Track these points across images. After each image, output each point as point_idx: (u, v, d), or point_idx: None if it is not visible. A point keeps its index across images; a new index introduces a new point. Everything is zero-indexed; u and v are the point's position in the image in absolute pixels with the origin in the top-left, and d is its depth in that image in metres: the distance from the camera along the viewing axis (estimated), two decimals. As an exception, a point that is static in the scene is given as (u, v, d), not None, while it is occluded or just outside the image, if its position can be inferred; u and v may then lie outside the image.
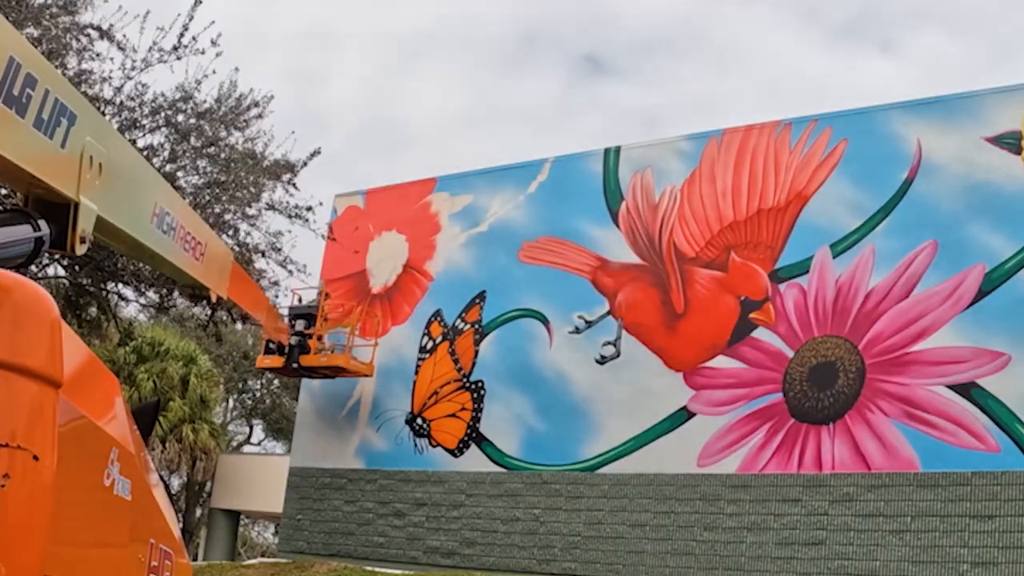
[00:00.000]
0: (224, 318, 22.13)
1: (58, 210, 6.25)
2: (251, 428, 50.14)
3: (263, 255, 19.41)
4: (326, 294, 24.21)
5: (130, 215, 7.37)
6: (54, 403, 2.84)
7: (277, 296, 22.00)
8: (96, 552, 3.58)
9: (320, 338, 23.36)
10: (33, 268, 20.00)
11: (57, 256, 19.87)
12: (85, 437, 3.34)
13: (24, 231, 6.16)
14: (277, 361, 23.22)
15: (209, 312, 21.61)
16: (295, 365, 22.96)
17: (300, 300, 23.93)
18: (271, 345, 23.04)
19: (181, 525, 31.72)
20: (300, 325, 22.94)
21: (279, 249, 19.80)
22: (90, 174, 6.41)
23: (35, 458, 2.69)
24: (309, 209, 21.01)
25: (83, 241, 6.40)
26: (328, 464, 24.38)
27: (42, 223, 6.35)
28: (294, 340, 22.75)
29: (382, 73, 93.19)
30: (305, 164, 20.58)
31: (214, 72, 18.77)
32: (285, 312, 22.97)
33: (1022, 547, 16.35)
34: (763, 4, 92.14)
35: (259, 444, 49.63)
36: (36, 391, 2.77)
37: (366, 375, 23.59)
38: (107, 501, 3.57)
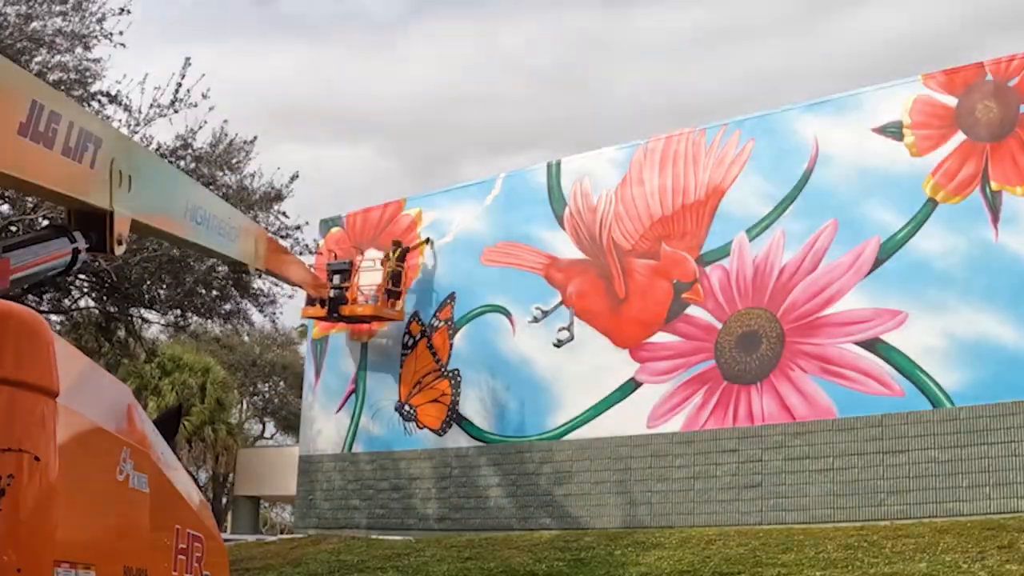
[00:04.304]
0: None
1: (97, 219, 6.53)
2: (264, 425, 50.05)
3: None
4: (361, 251, 23.75)
5: (164, 214, 7.68)
6: (53, 411, 2.89)
7: (275, 314, 21.86)
8: (117, 538, 3.61)
9: (358, 290, 22.82)
10: (66, 302, 19.79)
11: (87, 290, 19.70)
12: (91, 438, 3.37)
13: (62, 244, 6.45)
14: (320, 311, 22.80)
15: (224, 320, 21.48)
16: (336, 315, 22.58)
17: (335, 257, 23.48)
18: (311, 298, 22.61)
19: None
20: (337, 279, 22.52)
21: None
22: (121, 185, 6.63)
23: (36, 459, 2.74)
24: (297, 228, 20.78)
25: (120, 243, 6.71)
26: (332, 450, 24.21)
27: (77, 235, 6.65)
28: (333, 293, 22.36)
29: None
30: (289, 188, 20.35)
31: (206, 122, 18.77)
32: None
33: (928, 476, 16.45)
34: None
35: (272, 438, 49.49)
36: (36, 401, 2.83)
37: (398, 319, 23.13)
38: (122, 493, 3.60)
